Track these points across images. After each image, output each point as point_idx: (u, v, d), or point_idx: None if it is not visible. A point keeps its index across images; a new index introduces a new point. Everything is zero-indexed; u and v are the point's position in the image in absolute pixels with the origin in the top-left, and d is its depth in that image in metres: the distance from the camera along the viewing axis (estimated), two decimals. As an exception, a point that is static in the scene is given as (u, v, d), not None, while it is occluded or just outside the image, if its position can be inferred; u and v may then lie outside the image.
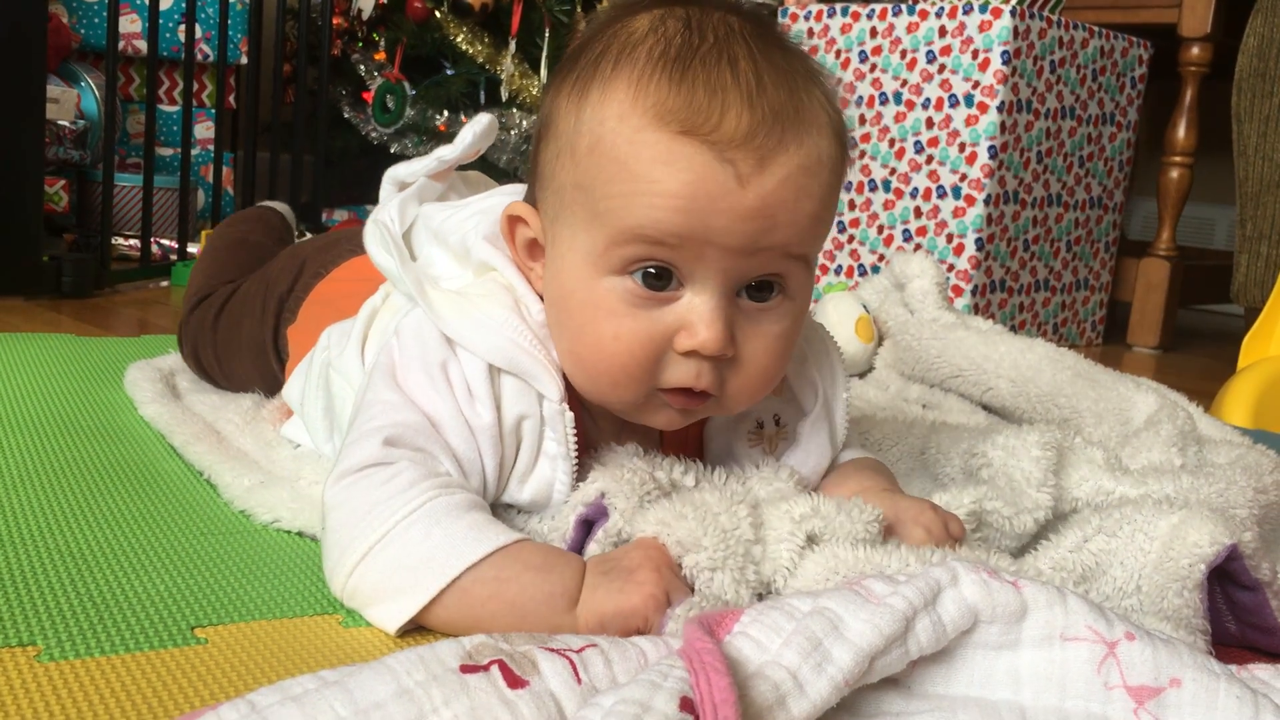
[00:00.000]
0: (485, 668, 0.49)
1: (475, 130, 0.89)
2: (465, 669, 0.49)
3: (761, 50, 0.68)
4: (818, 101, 0.69)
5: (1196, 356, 2.25)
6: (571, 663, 0.51)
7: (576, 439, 0.74)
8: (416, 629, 0.65)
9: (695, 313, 0.67)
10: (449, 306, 0.74)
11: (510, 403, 0.73)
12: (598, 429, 0.78)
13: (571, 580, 0.64)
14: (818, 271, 2.11)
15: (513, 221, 0.75)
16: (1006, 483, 0.82)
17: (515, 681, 0.49)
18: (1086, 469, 0.84)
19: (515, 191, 0.85)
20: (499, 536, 0.65)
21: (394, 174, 0.92)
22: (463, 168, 0.95)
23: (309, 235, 1.72)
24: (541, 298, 0.75)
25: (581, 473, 0.75)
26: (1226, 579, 0.71)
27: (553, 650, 0.51)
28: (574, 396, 0.75)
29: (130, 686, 0.55)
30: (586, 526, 0.72)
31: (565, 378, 0.74)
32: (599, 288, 0.69)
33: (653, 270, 0.67)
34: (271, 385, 1.05)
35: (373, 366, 0.76)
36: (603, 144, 0.67)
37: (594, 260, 0.68)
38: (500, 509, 0.77)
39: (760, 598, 0.67)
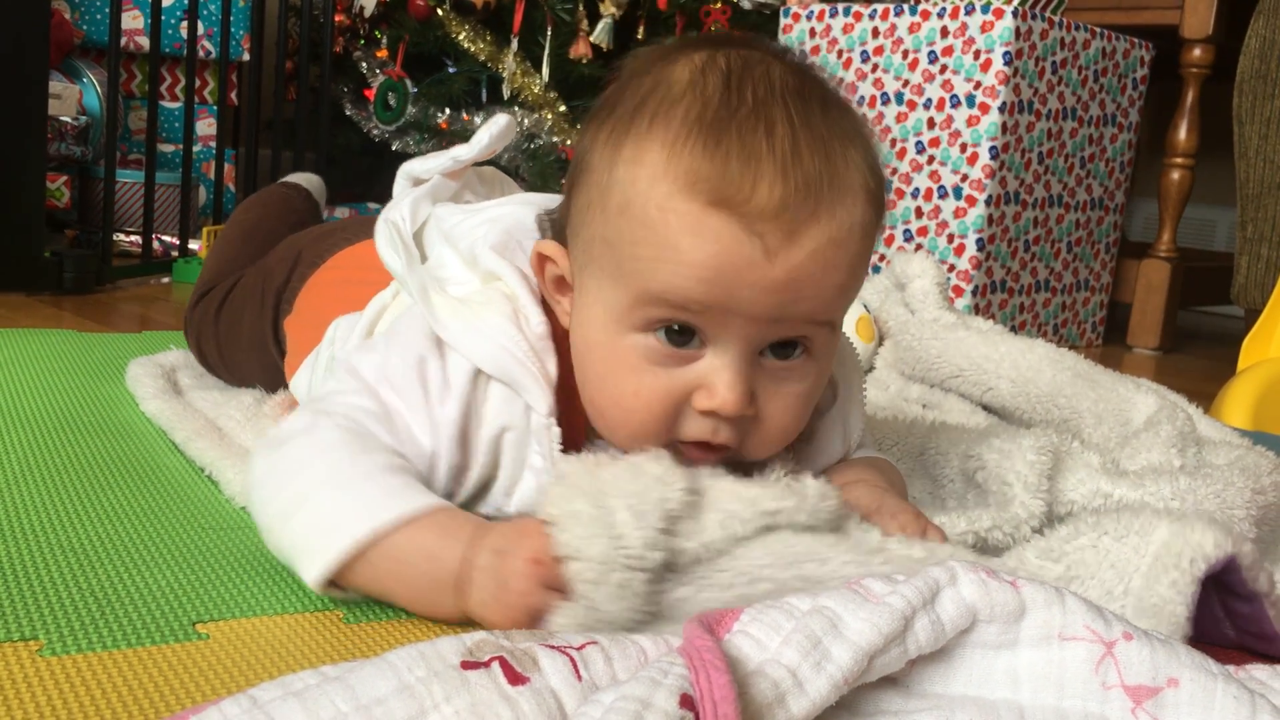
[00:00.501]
0: (486, 664, 0.49)
1: (492, 132, 0.89)
2: (466, 665, 0.49)
3: (800, 111, 0.66)
4: (854, 165, 0.67)
5: (1196, 358, 2.25)
6: (572, 660, 0.51)
7: (563, 450, 0.73)
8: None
9: (716, 374, 0.67)
10: (448, 311, 0.75)
11: (495, 412, 0.73)
12: (589, 441, 0.77)
13: (457, 559, 0.64)
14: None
15: (541, 259, 0.75)
16: (999, 486, 0.83)
17: (516, 678, 0.49)
18: (1083, 472, 0.84)
19: (528, 200, 0.85)
20: (411, 502, 0.66)
21: (409, 169, 0.92)
22: (477, 165, 0.95)
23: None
24: (545, 310, 0.75)
25: None
26: (1224, 590, 0.71)
27: (553, 647, 0.51)
28: (566, 412, 0.75)
29: (132, 681, 0.55)
30: None
31: (560, 390, 0.73)
32: (622, 343, 0.69)
33: (676, 328, 0.67)
34: (274, 378, 1.06)
35: (351, 353, 0.77)
36: (633, 206, 0.66)
37: (618, 316, 0.68)
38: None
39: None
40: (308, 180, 1.40)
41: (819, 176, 0.65)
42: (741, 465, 0.71)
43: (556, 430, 0.73)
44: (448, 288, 0.79)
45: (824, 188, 0.65)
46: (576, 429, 0.75)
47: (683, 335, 0.67)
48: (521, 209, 0.81)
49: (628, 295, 0.67)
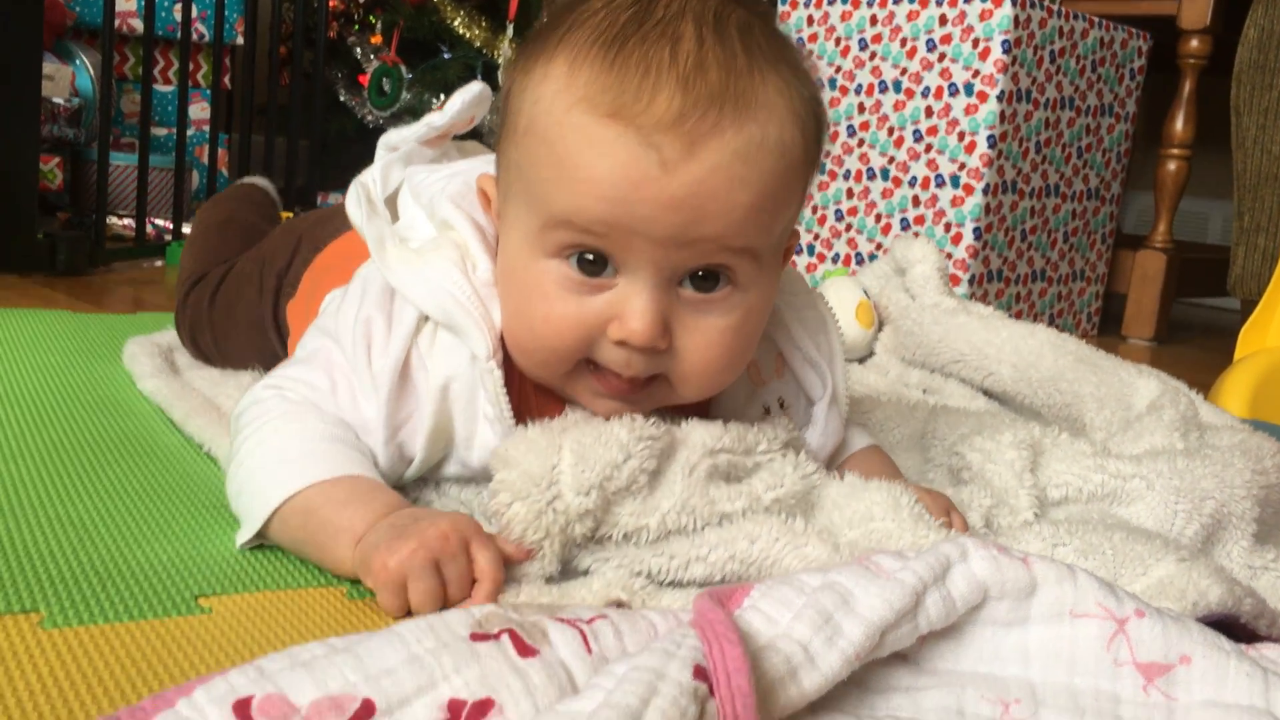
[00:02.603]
0: (496, 636, 0.49)
1: (465, 98, 0.89)
2: (475, 637, 0.49)
3: (714, 29, 0.64)
4: (773, 86, 0.65)
5: (1191, 349, 2.25)
6: (582, 633, 0.50)
7: (510, 400, 0.73)
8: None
9: (627, 302, 0.66)
10: (398, 259, 0.75)
11: (439, 362, 0.73)
12: (545, 393, 0.75)
13: (361, 519, 0.66)
14: (814, 259, 2.11)
15: (483, 195, 0.76)
16: (984, 486, 0.82)
17: (526, 650, 0.48)
18: (1072, 461, 0.83)
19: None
20: (318, 469, 0.68)
21: (387, 140, 0.92)
22: (460, 138, 0.94)
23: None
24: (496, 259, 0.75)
25: None
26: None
27: (563, 620, 0.51)
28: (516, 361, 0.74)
29: (135, 653, 0.54)
30: None
31: (503, 340, 0.72)
32: (535, 268, 0.68)
33: (588, 256, 0.66)
34: (270, 363, 1.04)
35: (321, 310, 0.80)
36: (536, 125, 0.66)
37: (531, 240, 0.68)
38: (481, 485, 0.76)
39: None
40: (261, 180, 1.43)
41: (724, 89, 0.63)
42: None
43: (498, 374, 0.72)
44: (411, 244, 0.78)
45: (729, 101, 0.63)
46: (523, 379, 0.74)
47: (595, 264, 0.66)
48: (487, 166, 0.81)
49: (537, 219, 0.67)
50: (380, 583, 0.62)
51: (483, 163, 0.83)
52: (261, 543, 0.70)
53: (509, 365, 0.73)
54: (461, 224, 0.76)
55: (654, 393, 0.71)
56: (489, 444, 0.73)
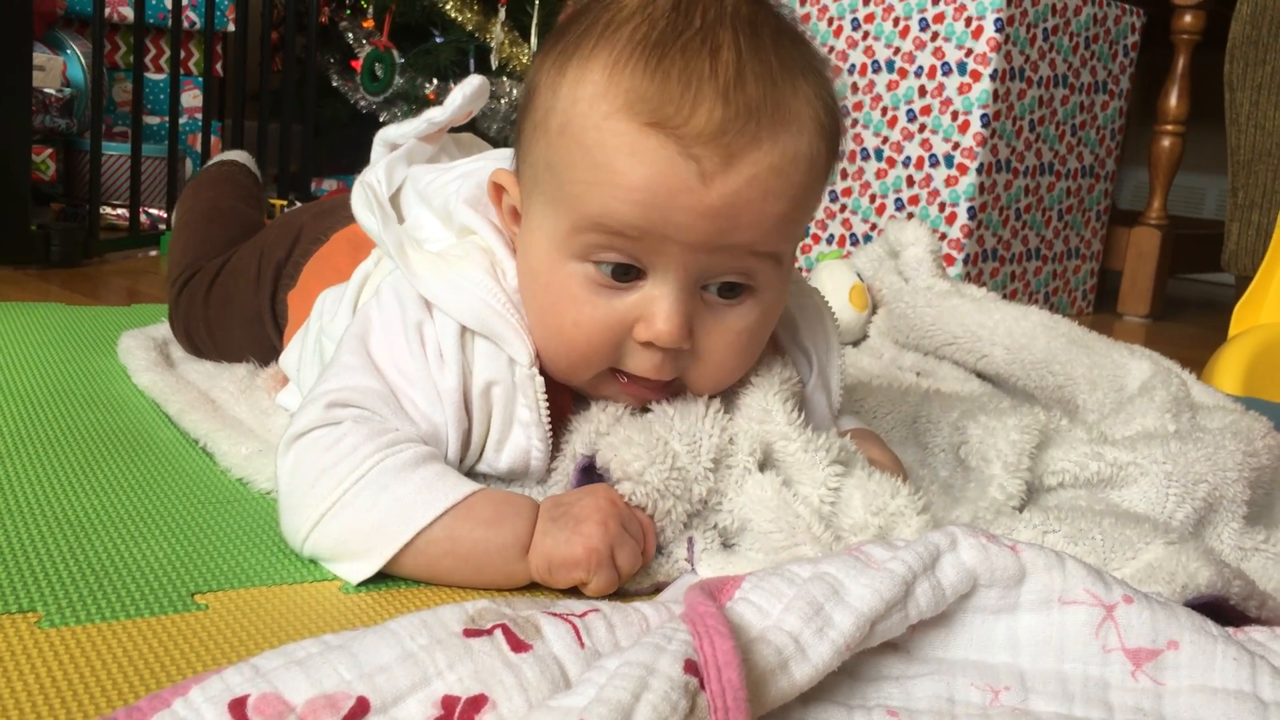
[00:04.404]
0: (488, 631, 0.49)
1: (465, 92, 0.89)
2: (469, 633, 0.49)
3: (749, 37, 0.65)
4: (804, 96, 0.66)
5: (1186, 325, 2.25)
6: (574, 627, 0.51)
7: (549, 405, 0.74)
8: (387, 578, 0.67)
9: (654, 304, 0.67)
10: (426, 267, 0.75)
11: (481, 367, 0.73)
12: (577, 397, 0.78)
13: (523, 529, 0.66)
14: (809, 240, 2.11)
15: (497, 189, 0.75)
16: (979, 463, 0.83)
17: (518, 645, 0.49)
18: (1069, 448, 0.83)
19: (504, 156, 0.85)
20: (447, 495, 0.66)
21: (384, 135, 0.92)
22: (456, 130, 0.94)
23: (298, 205, 1.71)
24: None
25: (558, 441, 0.76)
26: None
27: (555, 615, 0.51)
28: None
29: (132, 652, 0.55)
30: (584, 475, 0.72)
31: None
32: (562, 271, 0.69)
33: (616, 262, 0.67)
34: (267, 355, 1.05)
35: (348, 327, 0.76)
36: (572, 127, 0.66)
37: (558, 243, 0.68)
38: (492, 480, 0.77)
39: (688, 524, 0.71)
40: (239, 155, 1.41)
41: (762, 103, 0.64)
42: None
43: (540, 380, 0.73)
44: (425, 247, 0.79)
45: (766, 114, 0.64)
46: (556, 381, 0.75)
47: (622, 268, 0.67)
48: (496, 164, 0.81)
49: (567, 221, 0.67)
50: (592, 566, 0.64)
51: (491, 161, 0.83)
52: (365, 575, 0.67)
53: (543, 370, 0.74)
54: (484, 229, 0.76)
55: (672, 391, 0.73)
56: (520, 446, 0.75)
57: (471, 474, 0.76)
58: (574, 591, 0.66)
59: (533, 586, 0.67)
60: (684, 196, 0.63)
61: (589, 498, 0.68)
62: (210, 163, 1.45)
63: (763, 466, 0.72)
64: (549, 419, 0.74)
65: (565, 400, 0.76)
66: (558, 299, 0.69)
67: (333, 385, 0.71)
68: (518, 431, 0.75)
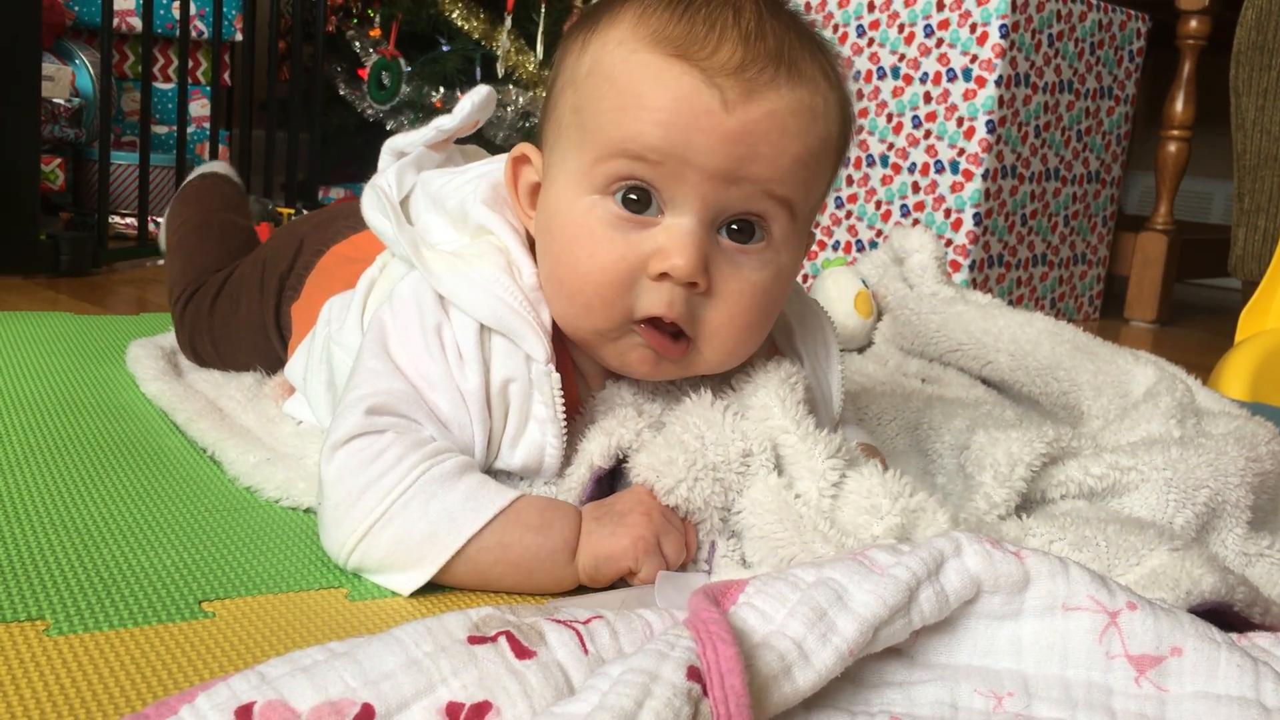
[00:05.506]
0: (493, 639, 0.49)
1: (474, 101, 0.89)
2: (473, 640, 0.49)
3: (770, 10, 0.70)
4: (819, 66, 0.70)
5: (1193, 330, 2.25)
6: (578, 634, 0.51)
7: (564, 402, 0.75)
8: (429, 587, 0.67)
9: (671, 237, 0.68)
10: (443, 266, 0.75)
11: (498, 364, 0.74)
12: (589, 390, 0.79)
13: (570, 533, 0.68)
14: (814, 247, 2.11)
15: (517, 164, 0.77)
16: (975, 469, 0.83)
17: (523, 652, 0.49)
18: (1073, 460, 0.83)
19: None
20: (494, 501, 0.67)
21: (393, 144, 0.92)
22: (461, 141, 0.95)
23: (305, 213, 1.71)
24: (536, 261, 0.75)
25: (572, 438, 0.76)
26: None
27: (559, 621, 0.52)
28: (563, 360, 0.76)
29: (140, 659, 0.55)
30: (598, 485, 0.73)
31: (554, 340, 0.75)
32: (580, 206, 0.70)
33: (635, 192, 0.69)
34: (272, 366, 1.05)
35: (366, 333, 0.76)
36: (601, 66, 0.69)
37: (579, 179, 0.70)
38: (500, 476, 0.77)
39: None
40: (218, 166, 1.42)
41: (779, 53, 0.68)
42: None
43: (557, 376, 0.74)
44: (437, 248, 0.79)
45: (784, 64, 0.68)
46: (569, 378, 0.77)
47: (640, 203, 0.69)
48: None
49: (590, 153, 0.69)
50: (640, 554, 0.66)
51: (501, 163, 0.84)
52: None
53: (562, 364, 0.75)
54: (500, 228, 0.77)
55: (684, 361, 0.73)
56: (535, 443, 0.76)
57: (489, 473, 0.76)
58: (583, 597, 0.66)
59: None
60: (705, 119, 0.66)
61: (629, 494, 0.70)
62: (190, 178, 1.44)
63: (777, 466, 0.72)
64: (565, 415, 0.75)
65: (576, 397, 0.78)
66: (575, 235, 0.70)
67: (365, 390, 0.71)
68: (533, 428, 0.76)
